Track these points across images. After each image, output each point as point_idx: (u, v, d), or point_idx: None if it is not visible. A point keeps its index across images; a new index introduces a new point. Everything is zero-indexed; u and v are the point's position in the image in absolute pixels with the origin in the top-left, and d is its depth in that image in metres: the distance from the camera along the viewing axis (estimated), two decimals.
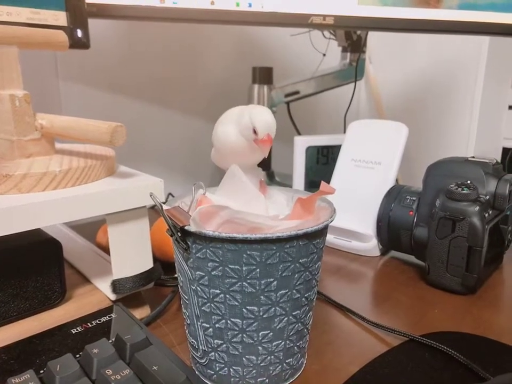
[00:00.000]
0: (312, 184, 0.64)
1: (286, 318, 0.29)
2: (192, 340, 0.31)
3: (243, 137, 0.30)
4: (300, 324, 0.30)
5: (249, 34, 0.87)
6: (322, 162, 0.65)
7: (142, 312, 0.39)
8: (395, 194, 0.51)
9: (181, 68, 0.80)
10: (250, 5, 0.57)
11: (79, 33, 0.43)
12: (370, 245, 0.52)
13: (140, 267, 0.37)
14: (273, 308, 0.28)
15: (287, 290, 0.28)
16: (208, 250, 0.27)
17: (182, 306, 0.32)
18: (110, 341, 0.30)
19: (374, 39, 1.02)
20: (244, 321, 0.28)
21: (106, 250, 0.48)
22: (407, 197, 0.49)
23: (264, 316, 0.28)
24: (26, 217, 0.30)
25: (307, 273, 0.29)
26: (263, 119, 0.29)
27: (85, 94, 0.69)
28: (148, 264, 0.38)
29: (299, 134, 0.85)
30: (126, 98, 0.74)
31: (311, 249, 0.29)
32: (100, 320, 0.33)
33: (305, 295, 0.30)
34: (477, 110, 1.03)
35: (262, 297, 0.28)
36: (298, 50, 0.93)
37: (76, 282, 0.40)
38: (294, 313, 0.29)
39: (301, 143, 0.63)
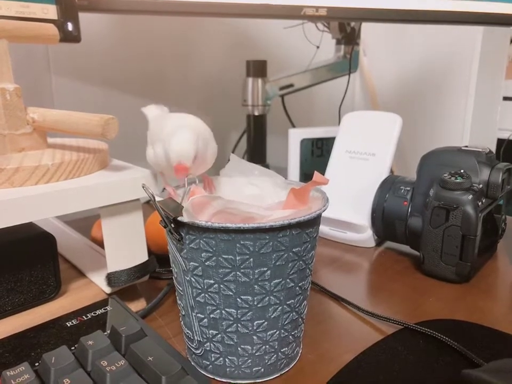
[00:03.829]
0: (307, 177, 0.64)
1: (280, 307, 0.29)
2: (187, 331, 0.31)
3: (159, 161, 0.31)
4: (294, 313, 0.30)
5: (243, 27, 0.87)
6: (317, 155, 0.65)
7: (137, 305, 0.39)
8: (389, 184, 0.51)
9: (174, 61, 0.79)
10: None
11: (70, 26, 0.42)
12: (365, 236, 0.52)
13: (134, 260, 0.37)
14: (267, 297, 0.28)
15: (281, 280, 0.28)
16: (201, 241, 0.27)
17: (177, 297, 0.32)
18: (105, 333, 0.30)
19: (367, 31, 1.02)
20: (239, 311, 0.28)
21: (101, 244, 0.47)
22: (401, 187, 0.49)
23: (259, 305, 0.28)
24: (19, 211, 0.30)
25: (301, 262, 0.29)
26: (176, 147, 0.29)
27: (78, 89, 0.69)
28: (143, 257, 0.38)
29: (294, 127, 0.85)
30: (118, 92, 0.74)
31: (304, 238, 0.29)
32: (95, 313, 0.33)
33: (299, 284, 0.30)
34: (472, 101, 1.03)
35: (256, 286, 0.28)
36: (292, 43, 0.93)
37: (71, 276, 0.39)
38: (288, 303, 0.29)
39: (296, 136, 0.63)
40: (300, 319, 0.31)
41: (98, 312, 0.33)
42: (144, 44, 0.75)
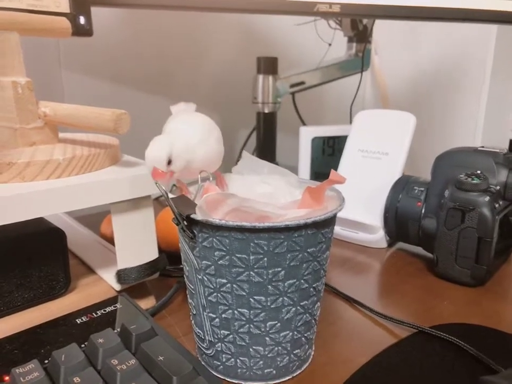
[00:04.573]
0: (318, 176, 0.63)
1: (293, 309, 0.29)
2: (198, 331, 0.31)
3: None
4: (307, 315, 0.30)
5: (254, 24, 0.86)
6: (328, 153, 0.64)
7: (147, 303, 0.38)
8: (402, 185, 0.50)
9: (183, 57, 0.79)
10: None
11: (82, 20, 0.42)
12: (377, 237, 0.52)
13: (144, 257, 0.37)
14: (281, 298, 0.28)
15: (295, 280, 0.28)
16: (214, 239, 0.27)
17: (188, 296, 0.32)
18: (115, 331, 0.30)
19: (379, 29, 1.01)
20: (251, 311, 0.28)
21: (111, 241, 0.47)
22: (415, 187, 0.49)
23: (272, 306, 0.28)
24: (30, 206, 0.30)
25: (315, 263, 0.28)
26: (149, 152, 0.28)
27: (88, 84, 0.69)
28: (153, 254, 0.37)
29: (304, 124, 0.84)
30: (128, 88, 0.73)
31: (320, 239, 0.28)
32: (105, 310, 0.33)
33: (313, 285, 0.29)
34: (484, 102, 1.02)
35: (269, 287, 0.27)
36: (302, 41, 0.92)
37: (81, 273, 0.39)
38: (302, 304, 0.29)
39: (307, 134, 0.63)
40: (313, 321, 0.31)
41: (108, 309, 0.33)
42: (154, 39, 0.74)
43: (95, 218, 0.54)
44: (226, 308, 0.28)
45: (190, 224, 0.27)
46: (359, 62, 0.85)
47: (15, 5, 0.38)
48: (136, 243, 0.36)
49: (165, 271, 0.41)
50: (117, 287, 0.36)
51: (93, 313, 0.32)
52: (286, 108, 0.81)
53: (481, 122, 1.05)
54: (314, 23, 0.80)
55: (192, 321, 0.32)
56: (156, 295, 0.40)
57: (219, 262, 0.27)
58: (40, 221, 0.35)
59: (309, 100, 0.90)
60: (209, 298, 0.29)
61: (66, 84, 0.66)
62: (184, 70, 0.79)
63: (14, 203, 0.29)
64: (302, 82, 0.80)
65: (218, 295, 0.28)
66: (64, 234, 0.35)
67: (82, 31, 0.42)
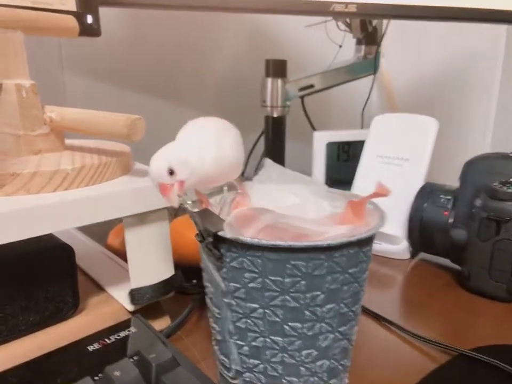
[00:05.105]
0: (333, 182, 0.60)
1: (332, 335, 0.26)
2: (223, 358, 0.28)
3: None
4: (346, 341, 0.27)
5: (260, 26, 0.84)
6: (343, 159, 0.61)
7: (161, 323, 0.36)
8: (427, 193, 0.47)
9: (190, 61, 0.76)
10: None
11: (89, 19, 0.39)
12: (401, 247, 0.49)
13: (160, 275, 0.34)
14: (318, 324, 0.25)
15: (334, 305, 0.25)
16: (245, 259, 0.24)
17: (211, 320, 0.29)
18: (132, 360, 0.27)
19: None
20: (285, 339, 0.25)
21: (118, 253, 0.44)
22: (441, 196, 0.46)
23: (309, 333, 0.25)
24: (37, 222, 0.27)
25: (356, 284, 0.26)
26: (152, 166, 0.26)
27: (91, 87, 0.66)
28: (169, 271, 0.35)
29: (314, 129, 0.81)
30: (133, 92, 0.70)
31: (361, 258, 0.25)
32: (119, 335, 0.30)
33: (353, 309, 0.26)
34: (495, 103, 1.00)
35: (306, 312, 0.24)
36: (310, 43, 0.90)
37: (89, 291, 0.36)
38: (340, 330, 0.26)
39: (321, 139, 0.60)
40: (350, 347, 0.28)
41: (122, 334, 0.30)
42: (159, 42, 0.72)
43: (100, 229, 0.51)
44: (257, 335, 0.25)
45: (217, 242, 0.24)
46: (369, 64, 0.83)
47: (17, 2, 0.35)
48: (150, 260, 0.33)
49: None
50: (130, 307, 0.33)
51: (106, 339, 0.29)
52: (292, 112, 0.79)
53: (491, 124, 1.03)
54: (324, 25, 0.78)
55: (216, 347, 0.29)
56: (170, 313, 0.37)
57: (250, 285, 0.24)
58: (46, 237, 0.32)
59: (315, 103, 0.88)
60: (237, 324, 0.26)
61: (69, 88, 0.63)
62: (190, 73, 0.76)
63: (19, 219, 0.26)
64: (311, 86, 0.78)
65: (248, 321, 0.25)
66: (73, 251, 0.32)
67: (90, 31, 0.39)
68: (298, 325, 0.25)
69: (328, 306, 0.25)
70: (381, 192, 0.24)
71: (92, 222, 0.29)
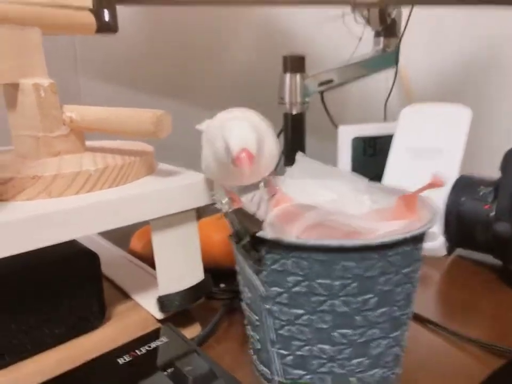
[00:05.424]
0: None
1: (384, 342, 0.23)
2: (263, 369, 0.26)
3: (220, 160, 0.25)
4: (398, 348, 0.25)
5: (275, 22, 0.82)
6: (369, 154, 0.59)
7: (192, 331, 0.34)
8: (464, 185, 0.44)
9: (205, 59, 0.74)
10: None
11: (106, 15, 0.37)
12: (437, 244, 0.46)
13: (189, 280, 0.32)
14: (370, 330, 0.23)
15: (387, 308, 0.23)
16: (288, 262, 0.22)
17: (249, 327, 0.27)
18: (166, 373, 0.25)
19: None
20: (334, 347, 0.23)
21: (142, 258, 0.42)
22: (480, 188, 0.43)
23: (360, 340, 0.23)
24: (60, 227, 0.25)
25: (409, 285, 0.23)
26: (235, 134, 0.24)
27: (106, 89, 0.64)
28: (198, 276, 0.33)
29: (334, 124, 0.79)
30: (148, 92, 0.69)
31: (415, 256, 0.23)
32: (150, 346, 0.28)
33: (405, 312, 0.24)
34: None
35: (357, 317, 0.22)
36: (327, 37, 0.87)
37: (114, 298, 0.34)
38: (393, 335, 0.24)
39: (346, 134, 0.58)
40: (402, 354, 0.26)
41: (152, 345, 0.28)
42: (174, 42, 0.70)
43: (121, 233, 0.50)
44: (303, 343, 0.23)
45: (256, 243, 0.22)
46: (389, 57, 0.80)
47: (36, 0, 0.34)
48: (179, 264, 0.31)
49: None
50: (159, 315, 0.31)
51: (136, 351, 0.27)
52: (310, 109, 0.76)
53: None
54: (342, 18, 0.75)
55: (254, 357, 0.27)
56: (199, 320, 0.35)
57: (294, 289, 0.22)
58: (70, 243, 0.31)
59: (332, 98, 0.85)
60: (280, 332, 0.24)
61: (83, 91, 0.62)
62: (205, 71, 0.75)
63: (41, 225, 0.25)
64: (331, 80, 0.75)
65: (293, 328, 0.23)
66: (98, 257, 0.30)
67: (107, 27, 0.37)
68: (349, 331, 0.22)
69: (381, 310, 0.23)
70: (437, 182, 0.21)
71: (118, 225, 0.27)
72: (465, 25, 0.93)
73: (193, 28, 0.72)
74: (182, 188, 0.30)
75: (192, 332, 0.34)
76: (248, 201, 0.27)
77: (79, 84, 0.62)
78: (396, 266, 0.22)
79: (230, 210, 0.23)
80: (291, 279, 0.22)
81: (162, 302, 0.31)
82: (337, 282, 0.21)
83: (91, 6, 0.37)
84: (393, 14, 0.81)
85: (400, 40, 0.77)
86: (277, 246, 0.22)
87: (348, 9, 0.74)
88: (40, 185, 0.27)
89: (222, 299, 0.38)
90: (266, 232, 0.22)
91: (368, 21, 0.82)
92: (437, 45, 0.98)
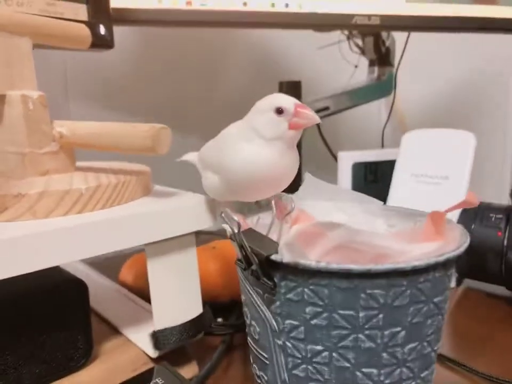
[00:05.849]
0: None
1: (413, 383, 0.21)
2: None
3: (272, 141, 0.23)
4: None
5: (272, 47, 0.82)
6: (370, 180, 0.57)
7: (188, 371, 0.30)
8: (474, 212, 0.42)
9: (199, 85, 0.73)
10: (287, 5, 0.51)
11: (102, 29, 0.36)
12: None
13: (187, 313, 0.29)
14: (398, 370, 0.20)
15: (417, 344, 0.20)
16: (306, 290, 0.19)
17: (255, 366, 0.24)
18: None
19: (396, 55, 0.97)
20: None
21: (133, 291, 0.39)
22: (491, 214, 0.41)
23: (386, 382, 0.20)
24: (45, 251, 0.22)
25: (440, 317, 0.21)
26: (282, 95, 0.24)
27: (96, 113, 0.62)
28: (197, 308, 0.30)
29: (330, 152, 0.78)
30: (140, 119, 0.67)
31: (446, 284, 0.21)
32: None
33: (435, 348, 0.21)
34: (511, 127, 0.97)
35: (384, 354, 0.19)
36: (323, 63, 0.87)
37: (102, 334, 0.31)
38: (422, 375, 0.21)
39: (346, 159, 0.56)
40: None
41: None
42: (167, 68, 0.69)
43: (110, 263, 0.46)
44: None
45: (268, 269, 0.20)
46: (384, 85, 0.80)
47: (25, 9, 0.32)
48: (177, 295, 0.28)
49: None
50: (153, 353, 0.28)
51: None
52: (309, 135, 0.75)
53: (510, 146, 1.00)
54: (338, 45, 0.75)
55: None
56: (196, 359, 0.32)
57: (312, 322, 0.20)
58: (53, 271, 0.28)
59: (327, 125, 0.84)
60: (294, 372, 0.21)
61: (74, 114, 0.60)
62: (198, 98, 0.73)
63: (25, 248, 0.22)
64: (327, 108, 0.75)
65: (309, 367, 0.20)
66: (86, 287, 0.27)
67: (103, 42, 0.36)
68: (374, 371, 0.20)
69: (410, 345, 0.20)
70: (471, 200, 0.19)
71: (111, 250, 0.25)
72: (456, 56, 0.94)
73: (187, 51, 0.71)
74: (181, 210, 0.27)
75: (189, 372, 0.30)
76: (253, 225, 0.25)
77: (69, 107, 0.60)
78: (426, 295, 0.19)
79: (239, 231, 0.20)
80: (309, 310, 0.19)
81: (157, 337, 0.28)
82: (362, 314, 0.19)
83: (86, 19, 0.35)
84: (388, 42, 0.81)
85: (397, 68, 0.77)
86: (293, 271, 0.19)
87: (343, 36, 0.74)
88: (24, 205, 0.24)
89: (221, 335, 0.35)
90: (282, 255, 0.19)
91: (363, 51, 0.82)
92: (429, 74, 0.99)
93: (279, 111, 0.22)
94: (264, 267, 0.20)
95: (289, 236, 0.18)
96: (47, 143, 0.28)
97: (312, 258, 0.19)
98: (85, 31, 0.33)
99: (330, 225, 0.18)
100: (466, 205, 0.20)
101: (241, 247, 0.20)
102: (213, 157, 0.25)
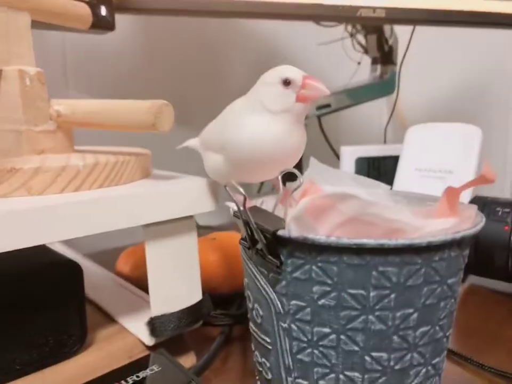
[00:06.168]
0: None
1: (424, 369, 0.20)
2: None
3: (279, 115, 0.22)
4: (437, 378, 0.21)
5: (275, 44, 0.81)
6: (373, 175, 0.56)
7: (186, 361, 0.29)
8: (480, 206, 0.41)
9: (199, 84, 0.72)
10: None
11: (103, 10, 0.35)
12: None
13: (186, 299, 0.28)
14: (409, 354, 0.19)
15: (429, 327, 0.19)
16: (314, 267, 0.18)
17: (257, 354, 0.22)
18: None
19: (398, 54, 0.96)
20: (366, 376, 0.19)
21: (129, 280, 0.38)
22: (498, 208, 0.40)
23: (396, 367, 0.19)
24: (38, 227, 0.21)
25: (453, 300, 0.20)
26: (289, 67, 0.23)
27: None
28: (196, 295, 0.28)
29: (332, 149, 0.77)
30: None
31: (460, 264, 0.20)
32: (138, 376, 0.23)
33: (447, 334, 0.20)
34: None
35: (395, 337, 0.18)
36: (325, 60, 0.87)
37: (97, 322, 0.30)
38: (433, 362, 0.20)
39: (349, 154, 0.55)
40: None
41: (141, 375, 0.23)
42: (168, 66, 0.68)
43: (108, 256, 0.45)
44: (327, 370, 0.19)
45: (275, 246, 0.19)
46: (386, 84, 0.79)
47: None
48: (175, 280, 0.27)
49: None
50: (149, 341, 0.27)
51: (122, 381, 0.23)
52: (310, 132, 0.74)
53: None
54: (341, 42, 0.75)
55: None
56: (194, 349, 0.30)
57: (320, 302, 0.18)
58: (46, 252, 0.27)
59: (325, 122, 0.84)
60: (298, 356, 0.20)
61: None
62: (201, 91, 0.73)
63: (15, 223, 0.21)
64: (328, 105, 0.74)
65: (315, 351, 0.19)
66: (80, 269, 0.26)
67: (103, 24, 0.35)
68: (384, 355, 0.19)
69: (422, 329, 0.19)
70: (488, 176, 0.18)
71: (107, 229, 0.24)
72: (458, 55, 0.94)
73: (189, 45, 0.70)
74: (181, 191, 0.26)
75: (186, 362, 0.29)
76: (257, 203, 0.24)
77: (67, 95, 0.59)
78: (440, 275, 0.18)
79: (244, 206, 0.19)
80: (317, 289, 0.18)
81: (154, 324, 0.26)
82: (373, 293, 0.18)
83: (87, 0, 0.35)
84: (390, 41, 0.81)
85: (400, 66, 0.76)
86: (301, 247, 0.18)
87: (346, 33, 0.73)
88: (19, 180, 0.23)
89: (220, 325, 0.34)
90: (290, 230, 0.18)
91: (366, 50, 0.82)
92: (430, 72, 0.98)
93: (286, 82, 0.22)
94: (271, 244, 0.19)
95: (297, 208, 0.17)
96: (43, 120, 0.27)
97: (322, 232, 0.18)
98: (85, 10, 0.32)
99: (341, 196, 0.17)
100: (482, 181, 0.19)
101: (246, 223, 0.19)
102: (216, 134, 0.24)
